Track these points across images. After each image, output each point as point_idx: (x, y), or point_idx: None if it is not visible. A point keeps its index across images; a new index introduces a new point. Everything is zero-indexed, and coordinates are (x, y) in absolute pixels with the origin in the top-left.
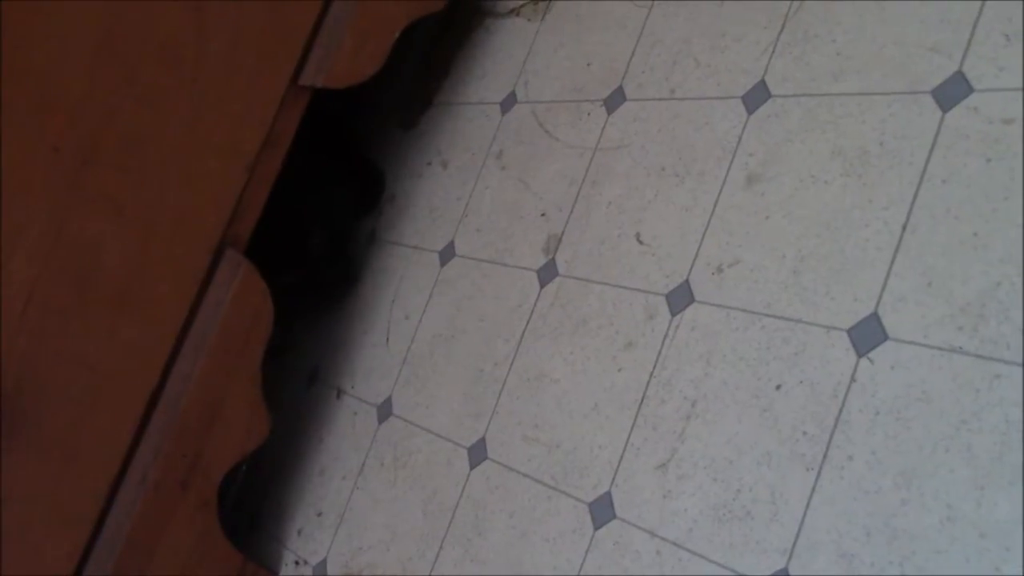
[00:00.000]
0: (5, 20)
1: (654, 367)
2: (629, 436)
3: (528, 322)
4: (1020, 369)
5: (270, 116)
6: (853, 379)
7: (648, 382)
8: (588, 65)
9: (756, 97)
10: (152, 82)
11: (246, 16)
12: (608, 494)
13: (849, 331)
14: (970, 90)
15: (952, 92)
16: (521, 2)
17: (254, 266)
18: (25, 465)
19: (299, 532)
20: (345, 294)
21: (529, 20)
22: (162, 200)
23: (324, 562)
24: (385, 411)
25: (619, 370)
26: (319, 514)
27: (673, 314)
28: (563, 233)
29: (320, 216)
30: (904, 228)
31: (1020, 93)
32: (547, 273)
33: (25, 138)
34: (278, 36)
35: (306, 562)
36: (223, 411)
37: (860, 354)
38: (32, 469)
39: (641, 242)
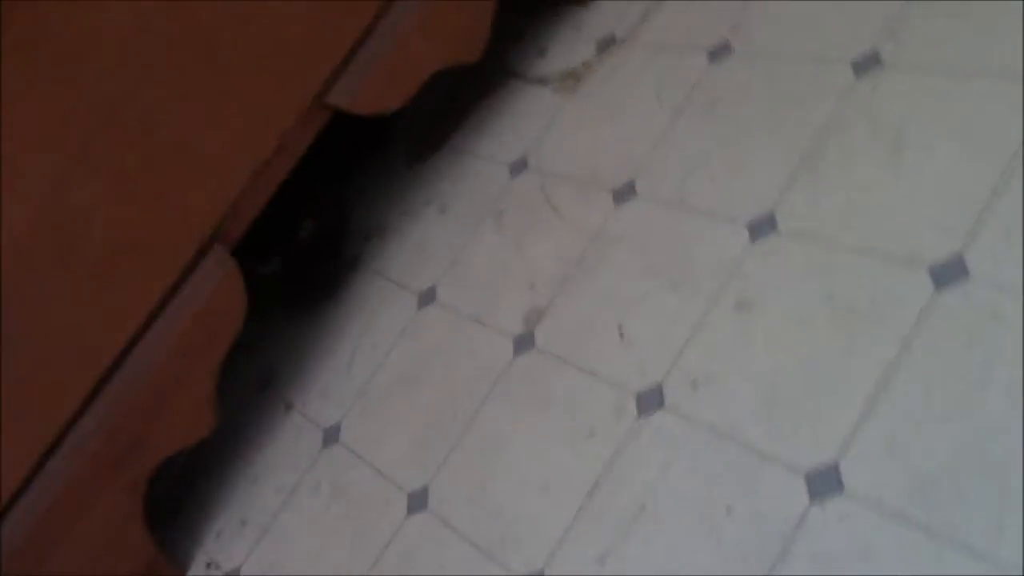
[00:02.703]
0: None
1: (611, 461)
2: (573, 521)
3: (495, 386)
4: (962, 552)
5: (288, 125)
6: (802, 522)
7: (602, 474)
8: (605, 152)
9: (762, 227)
10: (182, 66)
11: (288, 22)
12: (540, 574)
13: (807, 474)
14: (966, 275)
15: (948, 272)
16: (551, 74)
17: (238, 264)
18: None
19: (218, 535)
20: (323, 298)
21: (555, 92)
22: (163, 183)
23: (238, 569)
24: (331, 436)
25: (576, 456)
26: (243, 522)
27: (640, 414)
28: (547, 308)
29: (313, 206)
30: (878, 387)
31: (1012, 291)
32: (523, 343)
33: (48, 90)
34: (315, 50)
35: (219, 566)
36: (174, 400)
37: (813, 499)
38: None
39: (623, 336)
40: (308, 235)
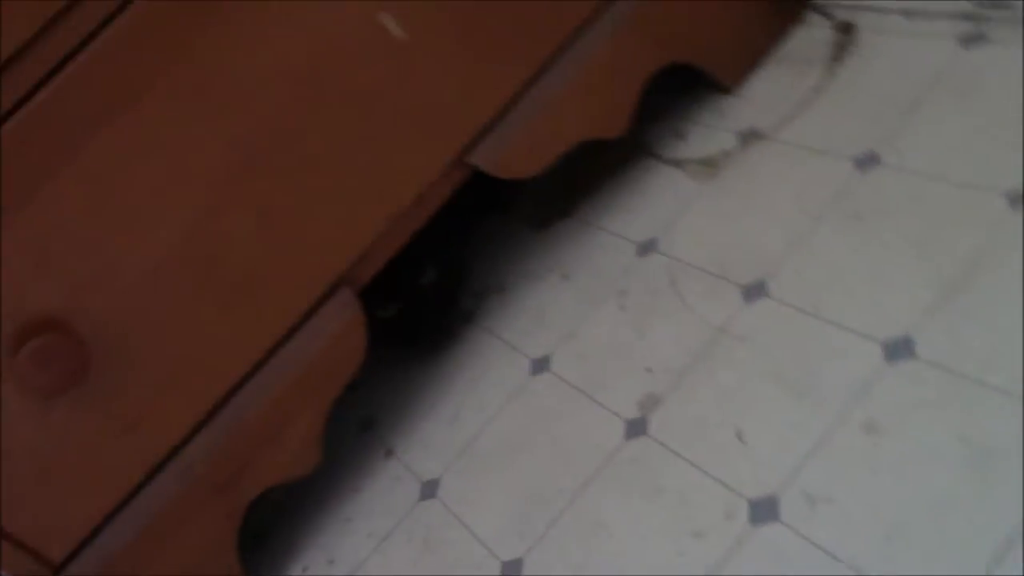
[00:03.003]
0: (235, 15)
1: (717, 565)
2: None
3: (603, 467)
4: None
5: (430, 179)
6: None
7: None
8: (737, 246)
9: (898, 351)
10: (340, 119)
11: (444, 84)
12: None
13: None
14: None
15: None
16: (688, 158)
17: (362, 308)
18: (85, 418)
19: (304, 569)
20: (434, 347)
21: (690, 178)
22: (305, 223)
23: None
24: (429, 490)
25: (680, 554)
26: (330, 561)
27: (752, 523)
28: (664, 396)
29: (436, 256)
30: (1009, 543)
31: None
32: (636, 428)
33: (214, 126)
34: (465, 111)
35: None
36: (284, 433)
37: None
38: (90, 424)
39: (740, 439)
40: (429, 283)
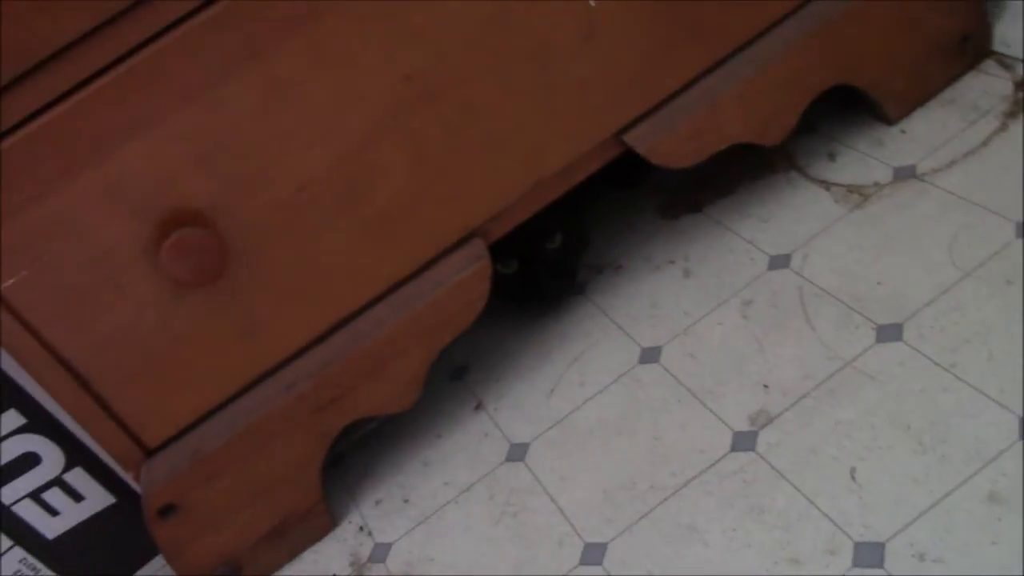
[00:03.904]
0: None
1: None
2: None
3: (704, 472)
4: None
5: (581, 151)
6: None
7: None
8: (878, 283)
9: None
10: (515, 69)
11: (621, 58)
12: None
13: None
14: None
15: None
16: (837, 181)
17: (490, 261)
18: (209, 315)
19: (377, 503)
20: (543, 312)
21: (836, 201)
22: (456, 170)
23: (388, 546)
24: (518, 453)
25: None
26: (405, 500)
27: (855, 564)
28: (777, 416)
29: (565, 222)
30: None
31: None
32: (744, 441)
33: (384, 56)
34: (635, 90)
35: (370, 534)
36: (390, 368)
37: None
38: (213, 323)
39: (854, 479)
40: (554, 248)
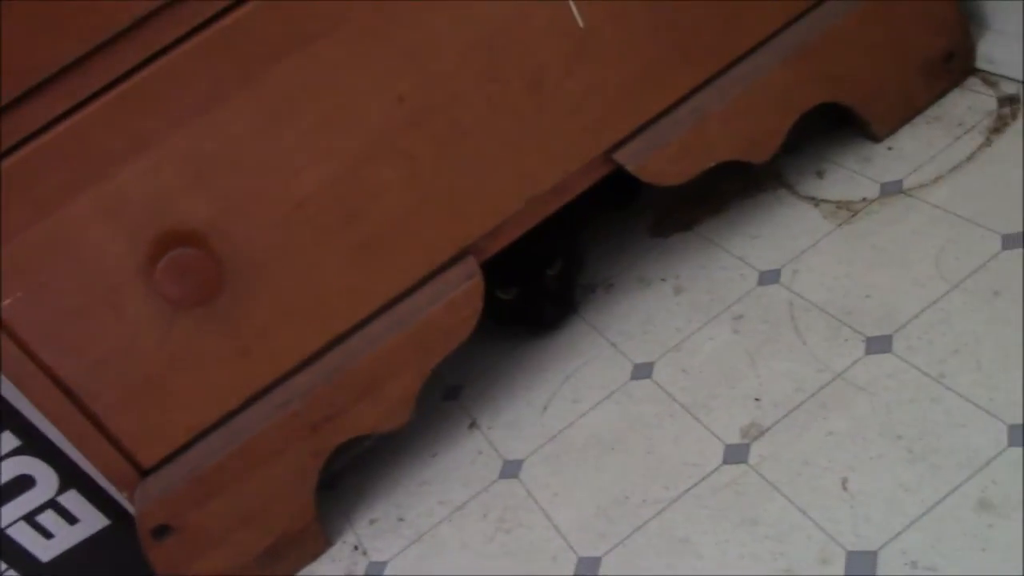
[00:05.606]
0: None
1: None
2: None
3: (696, 485)
4: None
5: (571, 169)
6: None
7: None
8: (867, 296)
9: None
10: (506, 89)
11: (610, 77)
12: None
13: None
14: None
15: None
16: (825, 198)
17: (484, 280)
18: (205, 335)
19: (371, 522)
20: (537, 333)
21: (825, 217)
22: (448, 188)
23: (383, 564)
24: (511, 470)
25: None
26: (400, 519)
27: (848, 574)
28: (769, 428)
29: (564, 247)
30: None
31: None
32: (736, 454)
33: (386, 74)
34: (622, 109)
35: (365, 553)
36: (383, 387)
37: None
38: (208, 342)
39: (846, 489)
40: (555, 274)
